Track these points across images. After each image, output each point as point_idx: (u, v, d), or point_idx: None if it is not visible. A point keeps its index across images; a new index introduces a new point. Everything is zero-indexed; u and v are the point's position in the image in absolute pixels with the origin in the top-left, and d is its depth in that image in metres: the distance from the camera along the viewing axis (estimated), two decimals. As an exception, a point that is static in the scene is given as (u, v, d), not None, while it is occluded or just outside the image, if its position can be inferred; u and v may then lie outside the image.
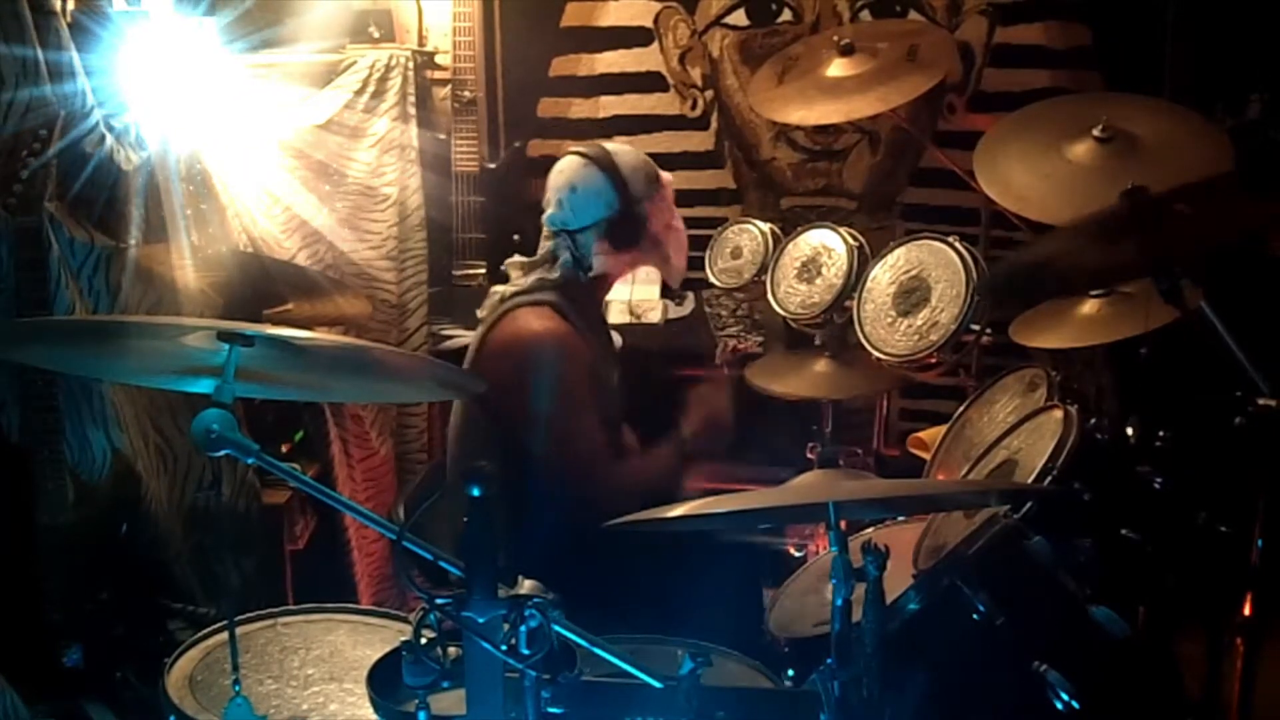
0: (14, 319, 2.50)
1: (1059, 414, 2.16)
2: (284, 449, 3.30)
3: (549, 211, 2.61)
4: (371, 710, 1.69)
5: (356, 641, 2.12)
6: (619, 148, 2.61)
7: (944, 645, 1.97)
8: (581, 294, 2.61)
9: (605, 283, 2.68)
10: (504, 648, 1.43)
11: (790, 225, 3.23)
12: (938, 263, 2.69)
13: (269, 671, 2.02)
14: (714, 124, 4.14)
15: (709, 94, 4.11)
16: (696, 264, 3.37)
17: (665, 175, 2.66)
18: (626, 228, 2.56)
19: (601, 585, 2.18)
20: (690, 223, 4.02)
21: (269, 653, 2.08)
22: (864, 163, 4.08)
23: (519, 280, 2.62)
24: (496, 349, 2.55)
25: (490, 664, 1.44)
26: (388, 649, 1.66)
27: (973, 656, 1.97)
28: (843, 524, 1.59)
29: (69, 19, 2.67)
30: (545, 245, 2.62)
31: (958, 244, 2.69)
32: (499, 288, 2.66)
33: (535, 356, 2.49)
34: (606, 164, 2.54)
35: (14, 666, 2.42)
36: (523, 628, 1.43)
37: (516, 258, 2.67)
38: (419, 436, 3.89)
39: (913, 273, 2.73)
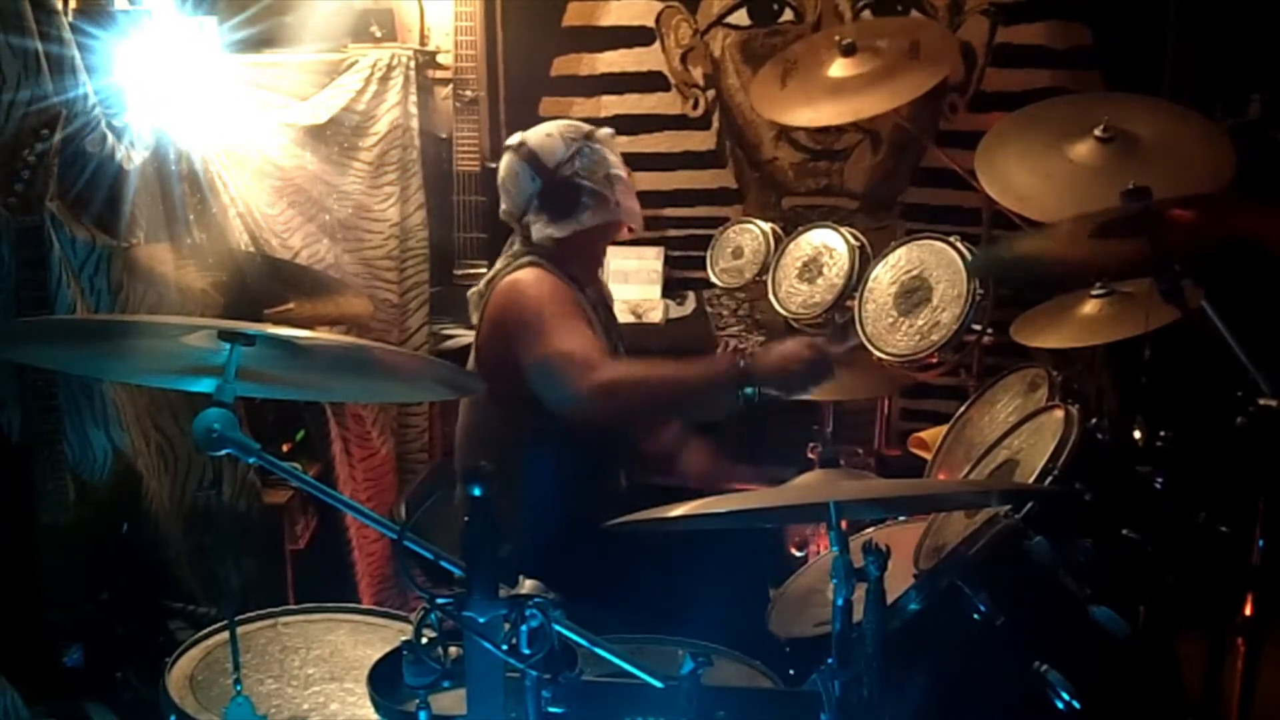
0: (15, 318, 2.50)
1: (1060, 414, 2.16)
2: (285, 448, 3.30)
3: (500, 210, 2.73)
4: (372, 710, 1.70)
5: (357, 641, 2.13)
6: (537, 128, 2.69)
7: (945, 645, 1.97)
8: (560, 264, 2.64)
9: (581, 252, 2.70)
10: (505, 647, 1.43)
11: (791, 225, 3.23)
12: (939, 263, 2.69)
13: (270, 671, 2.02)
14: (715, 123, 4.14)
15: (710, 94, 4.11)
16: (698, 263, 3.38)
17: (601, 131, 2.70)
18: (558, 195, 2.62)
19: (603, 584, 2.19)
20: (691, 222, 4.08)
21: (270, 652, 2.08)
22: (865, 162, 4.07)
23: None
24: (490, 313, 2.60)
25: (491, 664, 1.44)
26: (388, 648, 1.66)
27: (973, 656, 1.96)
28: (844, 524, 1.59)
29: (70, 18, 2.67)
30: (510, 240, 2.75)
31: (959, 244, 2.69)
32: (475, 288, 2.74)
33: (521, 293, 2.55)
34: (518, 147, 2.66)
35: (14, 666, 2.42)
36: (524, 627, 1.43)
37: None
38: (420, 436, 3.89)
39: (914, 272, 2.73)
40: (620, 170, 2.69)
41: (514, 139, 2.68)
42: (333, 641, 2.12)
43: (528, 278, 2.58)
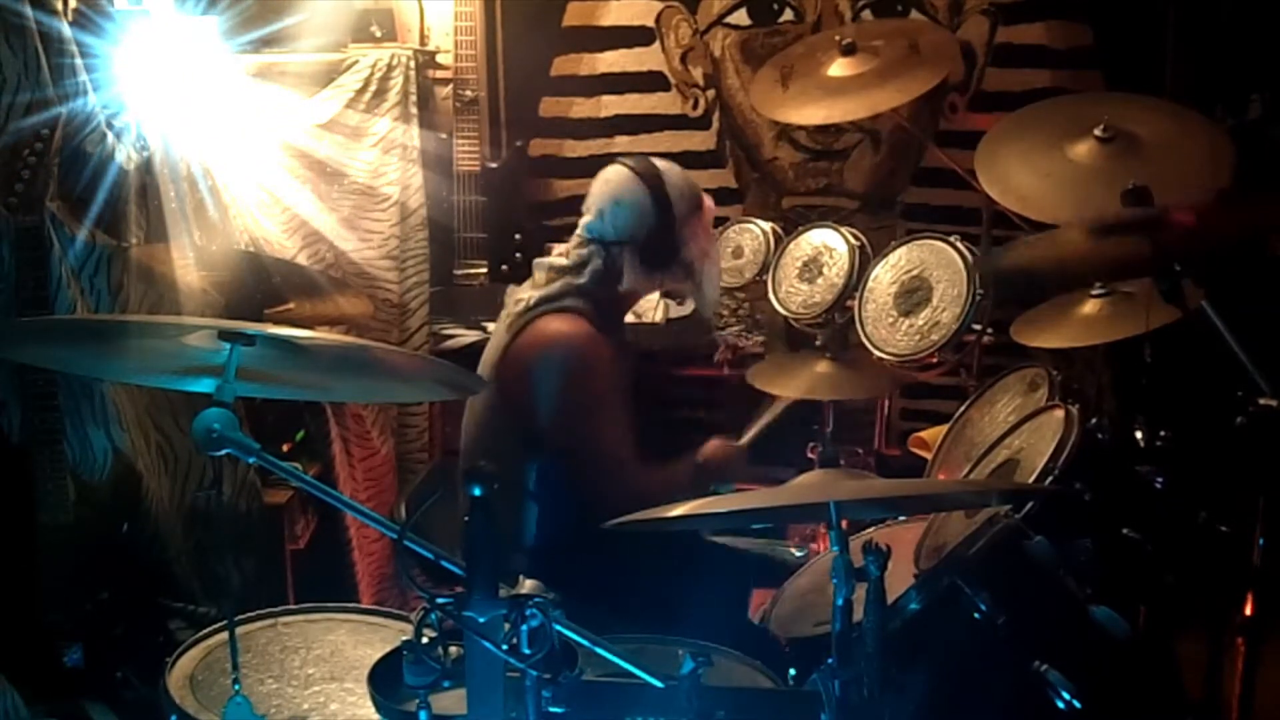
0: (14, 318, 2.50)
1: (1060, 414, 2.16)
2: (285, 448, 3.30)
3: (587, 219, 2.56)
4: (372, 710, 1.69)
5: (357, 641, 2.12)
6: (668, 166, 2.58)
7: (945, 645, 1.97)
8: (606, 305, 2.57)
9: (630, 300, 2.66)
10: (505, 647, 1.43)
11: (791, 225, 3.23)
12: (939, 262, 2.69)
13: (270, 671, 2.02)
14: (715, 123, 4.14)
15: (710, 93, 4.11)
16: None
17: (708, 200, 2.62)
18: (662, 249, 2.53)
19: (604, 585, 2.19)
20: (691, 222, 4.07)
21: (270, 652, 2.08)
22: (865, 162, 4.07)
23: (543, 284, 2.57)
24: (525, 352, 2.51)
25: (491, 663, 1.44)
26: (389, 648, 1.66)
27: (973, 656, 1.96)
28: (844, 524, 1.59)
29: (70, 18, 2.67)
30: (577, 253, 2.56)
31: (959, 244, 2.69)
32: (522, 293, 2.59)
33: (567, 360, 2.49)
34: (654, 181, 2.52)
35: (14, 666, 2.42)
36: (524, 627, 1.43)
37: (548, 259, 2.62)
38: (420, 436, 3.89)
39: (914, 272, 2.73)
40: (715, 250, 2.64)
41: (651, 164, 2.55)
42: (333, 641, 2.12)
43: (577, 339, 2.49)
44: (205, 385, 1.67)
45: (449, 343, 3.76)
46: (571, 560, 2.25)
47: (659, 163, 2.57)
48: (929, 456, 2.77)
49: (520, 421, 2.52)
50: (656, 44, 4.10)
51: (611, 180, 2.55)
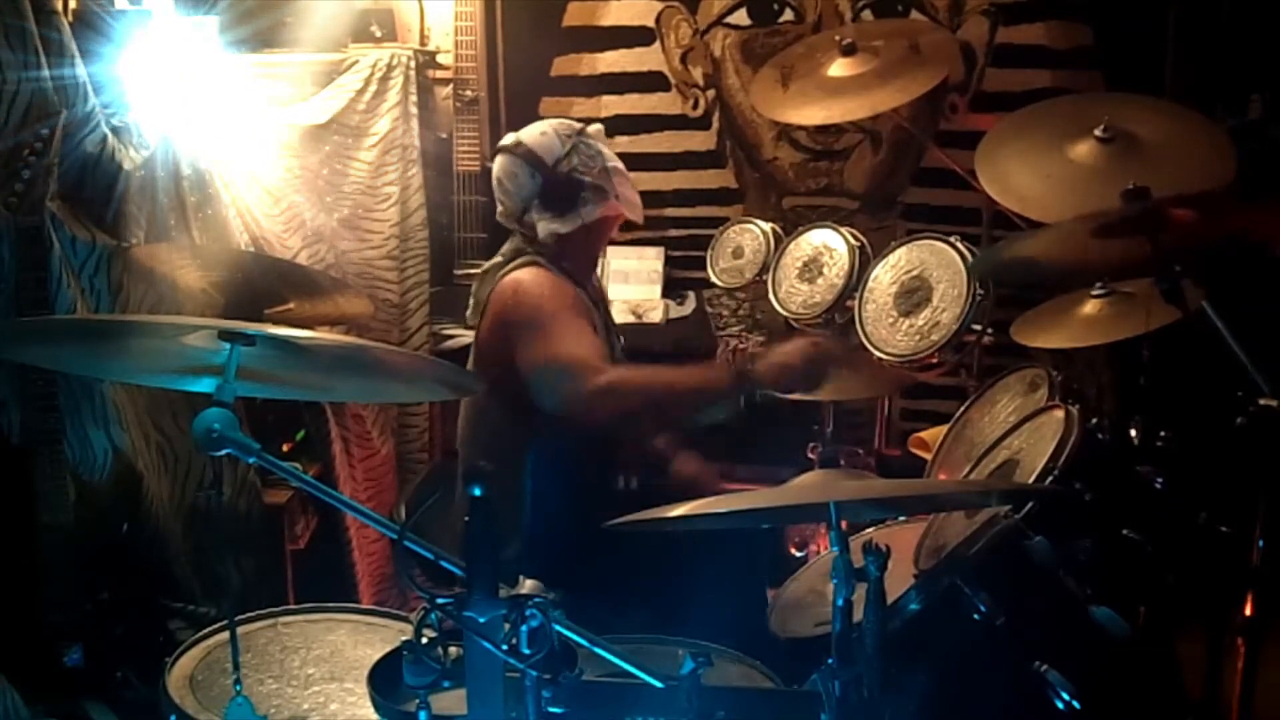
0: (15, 318, 2.50)
1: (1060, 414, 2.16)
2: (285, 448, 3.30)
3: (497, 213, 2.72)
4: (372, 710, 1.70)
5: (357, 641, 2.13)
6: (530, 127, 2.69)
7: (944, 645, 1.97)
8: (560, 261, 2.66)
9: (580, 247, 2.70)
10: (505, 647, 1.43)
11: (792, 225, 3.23)
12: (939, 263, 2.69)
13: (270, 671, 2.02)
14: (716, 123, 4.14)
15: (710, 93, 4.11)
16: (698, 263, 3.38)
17: (592, 126, 2.72)
18: (559, 191, 2.63)
19: (604, 584, 2.19)
20: (692, 222, 4.09)
21: (270, 652, 2.08)
22: (866, 162, 4.07)
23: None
24: (492, 312, 2.61)
25: (491, 664, 1.44)
26: (388, 648, 1.66)
27: (973, 656, 1.96)
28: (844, 524, 1.59)
29: (71, 18, 2.67)
30: (507, 244, 2.74)
31: (959, 244, 2.69)
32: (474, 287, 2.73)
33: (524, 293, 2.56)
34: (513, 147, 2.66)
35: (14, 666, 2.42)
36: (524, 627, 1.43)
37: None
38: (419, 436, 3.89)
39: (914, 273, 2.73)
40: (616, 163, 2.70)
41: (508, 139, 2.68)
42: (333, 641, 2.12)
43: (528, 277, 2.58)
44: (205, 385, 1.67)
45: (449, 343, 3.76)
46: (578, 555, 2.26)
47: (523, 130, 2.69)
48: (929, 456, 2.77)
49: (505, 385, 2.51)
50: (656, 44, 4.10)
51: (494, 171, 2.71)
